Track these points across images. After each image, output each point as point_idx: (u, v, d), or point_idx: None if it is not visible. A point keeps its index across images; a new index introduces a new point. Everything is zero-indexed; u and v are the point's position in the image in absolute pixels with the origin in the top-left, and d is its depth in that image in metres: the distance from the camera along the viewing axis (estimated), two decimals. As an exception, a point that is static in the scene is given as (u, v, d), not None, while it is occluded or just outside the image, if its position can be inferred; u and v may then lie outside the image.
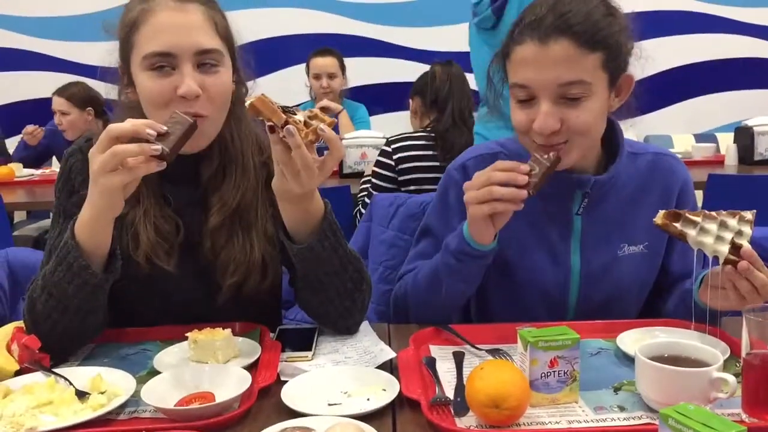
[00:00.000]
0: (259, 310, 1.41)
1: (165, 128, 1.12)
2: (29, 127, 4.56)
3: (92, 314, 1.24)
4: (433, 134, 2.88)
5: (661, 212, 1.19)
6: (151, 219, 1.32)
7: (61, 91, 4.19)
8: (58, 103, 4.18)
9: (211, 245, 1.35)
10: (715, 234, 1.16)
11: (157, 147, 1.10)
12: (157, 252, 1.31)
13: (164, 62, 1.24)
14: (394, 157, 2.89)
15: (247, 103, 1.12)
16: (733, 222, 1.17)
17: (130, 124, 1.10)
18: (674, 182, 1.44)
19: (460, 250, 1.31)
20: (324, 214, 1.25)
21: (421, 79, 3.07)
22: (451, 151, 2.74)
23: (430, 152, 2.86)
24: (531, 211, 1.39)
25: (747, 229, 1.16)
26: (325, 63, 4.22)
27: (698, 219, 1.17)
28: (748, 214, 1.17)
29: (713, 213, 1.17)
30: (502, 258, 1.40)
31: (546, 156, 1.23)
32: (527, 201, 1.31)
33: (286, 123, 1.10)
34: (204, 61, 1.26)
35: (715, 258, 1.16)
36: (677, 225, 1.17)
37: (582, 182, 1.36)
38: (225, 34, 1.31)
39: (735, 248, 1.15)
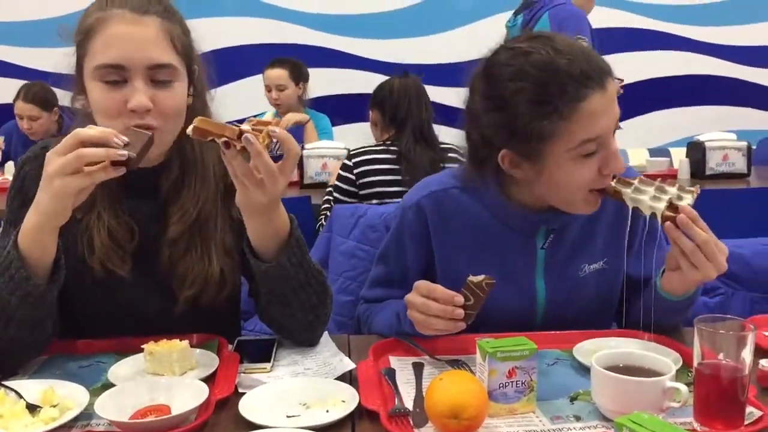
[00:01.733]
0: (217, 321, 1.39)
1: (126, 139, 1.10)
2: None
3: (39, 326, 1.21)
4: (393, 148, 2.88)
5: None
6: (105, 223, 1.29)
7: (24, 96, 4.01)
8: (25, 109, 4.01)
9: (168, 256, 1.33)
10: (651, 195, 1.17)
11: (123, 152, 1.08)
12: (111, 257, 1.29)
13: (115, 74, 1.21)
14: (355, 171, 2.88)
15: (189, 129, 1.10)
16: (672, 189, 1.18)
17: (98, 131, 1.08)
18: None
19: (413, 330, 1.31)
20: (290, 230, 1.24)
21: (379, 91, 3.05)
22: (416, 170, 2.74)
23: (392, 166, 2.86)
24: (494, 244, 1.40)
25: (688, 197, 1.18)
26: (273, 75, 4.21)
27: (633, 181, 1.18)
28: (691, 188, 1.19)
29: (649, 180, 1.19)
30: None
31: (478, 285, 1.19)
32: (490, 233, 1.32)
33: (241, 133, 1.09)
34: (157, 75, 1.23)
35: (653, 217, 1.17)
36: (612, 183, 1.19)
37: (549, 220, 1.37)
38: (182, 48, 1.28)
39: (673, 209, 1.16)
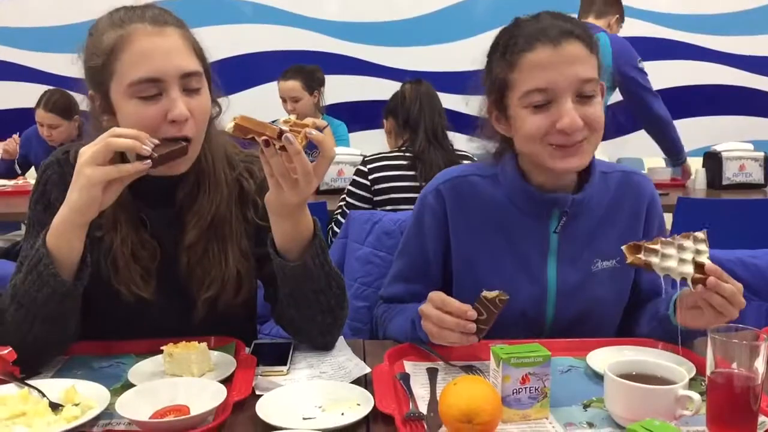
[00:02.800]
0: (234, 325, 1.41)
1: (157, 141, 1.16)
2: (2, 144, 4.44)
3: (62, 324, 1.23)
4: (408, 154, 2.90)
5: (624, 248, 1.22)
6: (129, 246, 1.31)
7: (45, 104, 4.03)
8: (45, 117, 4.03)
9: (187, 261, 1.35)
10: (677, 257, 1.20)
11: (148, 147, 1.14)
12: (135, 279, 1.31)
13: (152, 88, 1.22)
14: (370, 177, 2.90)
15: (229, 126, 1.13)
16: (689, 243, 1.21)
17: (132, 130, 1.15)
18: (642, 199, 1.48)
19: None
20: (314, 231, 1.26)
21: (392, 100, 3.08)
22: (431, 171, 2.76)
23: (406, 172, 2.88)
24: (508, 229, 1.43)
25: (703, 247, 1.20)
26: (285, 87, 4.20)
27: (657, 247, 1.20)
28: (700, 234, 1.22)
29: (669, 239, 1.22)
30: (479, 277, 1.43)
31: (491, 300, 1.21)
32: (505, 219, 1.33)
33: (281, 133, 1.11)
34: (188, 83, 1.25)
35: (683, 280, 1.20)
36: (640, 256, 1.21)
37: (560, 201, 1.40)
38: (201, 55, 1.31)
39: (698, 267, 1.19)
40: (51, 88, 4.24)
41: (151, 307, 1.34)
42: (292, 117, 1.17)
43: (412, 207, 1.57)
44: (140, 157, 1.15)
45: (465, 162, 2.84)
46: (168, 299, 1.35)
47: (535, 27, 1.34)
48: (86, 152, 1.13)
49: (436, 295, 1.26)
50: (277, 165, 1.14)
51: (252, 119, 1.12)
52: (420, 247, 1.50)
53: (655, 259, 1.20)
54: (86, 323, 1.32)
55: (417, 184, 2.83)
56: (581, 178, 1.44)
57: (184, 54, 1.25)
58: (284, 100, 4.25)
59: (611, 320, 1.49)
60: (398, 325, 1.44)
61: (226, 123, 1.18)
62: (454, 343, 1.23)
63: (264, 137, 1.12)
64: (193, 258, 1.35)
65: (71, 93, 4.00)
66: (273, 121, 1.16)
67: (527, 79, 1.32)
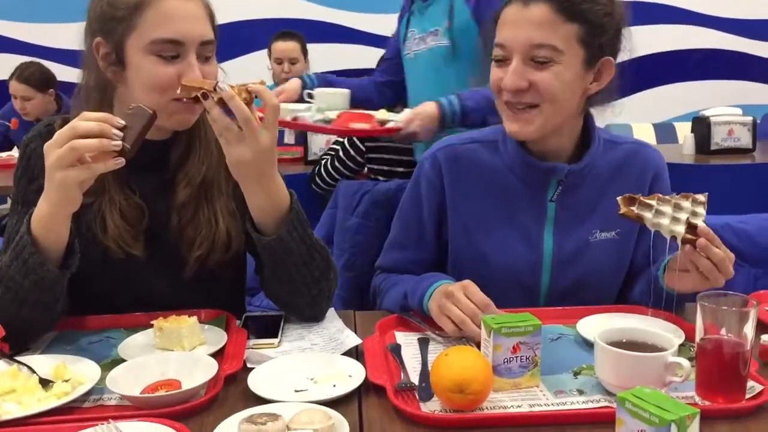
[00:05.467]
0: (224, 295, 1.41)
1: (123, 122, 1.11)
2: None
3: (50, 307, 1.23)
4: None
5: (619, 199, 1.22)
6: (117, 206, 1.31)
7: (18, 75, 3.99)
8: (19, 89, 4.00)
9: (178, 221, 1.35)
10: (670, 215, 1.19)
11: (118, 143, 1.09)
12: (125, 238, 1.31)
13: (172, 49, 1.23)
14: (368, 143, 2.86)
15: (178, 90, 1.19)
16: (686, 204, 1.20)
17: (96, 124, 1.08)
18: (648, 170, 1.47)
19: (420, 310, 1.34)
20: (290, 204, 1.25)
21: None
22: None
23: (404, 144, 2.82)
24: (506, 197, 1.43)
25: (701, 210, 1.20)
26: (286, 47, 4.15)
27: (653, 202, 1.20)
28: (701, 197, 1.21)
29: (667, 197, 1.21)
30: (475, 244, 1.44)
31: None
32: (503, 186, 1.34)
33: (214, 88, 1.15)
34: (204, 51, 1.27)
35: (673, 239, 1.20)
36: (633, 209, 1.21)
37: (557, 171, 1.40)
38: (215, 26, 1.32)
39: (691, 228, 1.18)
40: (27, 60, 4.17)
41: (142, 265, 1.33)
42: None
43: (405, 171, 1.56)
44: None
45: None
46: (158, 258, 1.35)
47: None
48: (50, 153, 1.09)
49: (470, 284, 1.25)
50: (217, 117, 1.15)
51: (195, 79, 1.19)
52: (415, 213, 1.50)
53: (647, 214, 1.20)
54: (77, 287, 1.31)
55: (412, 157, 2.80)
56: (581, 147, 1.44)
57: (204, 22, 1.28)
58: (279, 62, 4.16)
59: (608, 292, 1.49)
60: (392, 297, 1.44)
61: None
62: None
63: (203, 91, 1.15)
64: (184, 218, 1.35)
65: (49, 65, 3.94)
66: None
67: (497, 33, 1.35)
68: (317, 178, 2.95)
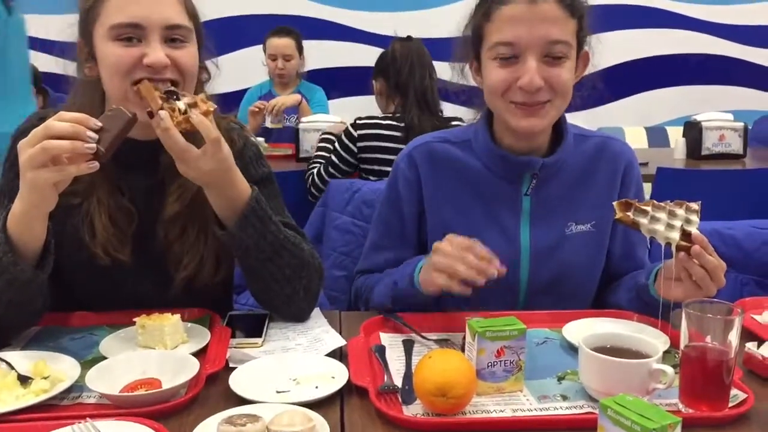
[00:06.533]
0: (210, 299, 1.40)
1: (100, 124, 1.08)
2: None
3: (27, 306, 1.21)
4: (401, 124, 2.81)
5: (615, 204, 1.23)
6: (105, 208, 1.29)
7: None
8: None
9: (164, 236, 1.33)
10: (665, 222, 1.20)
11: (92, 146, 1.06)
12: (113, 243, 1.29)
13: (131, 34, 1.21)
14: (359, 144, 2.84)
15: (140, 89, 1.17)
16: (680, 211, 1.21)
17: (69, 125, 1.06)
18: (619, 164, 1.48)
19: (410, 294, 1.33)
20: (247, 201, 1.24)
21: (381, 59, 3.01)
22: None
23: (396, 144, 2.79)
24: (482, 193, 1.43)
25: (695, 218, 1.20)
26: (280, 44, 4.14)
27: (648, 208, 1.20)
28: (694, 205, 1.22)
29: (661, 203, 1.21)
30: None
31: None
32: (479, 182, 1.32)
33: (161, 109, 1.13)
34: (172, 36, 1.24)
35: (668, 246, 1.19)
36: (629, 214, 1.21)
37: (531, 164, 1.41)
38: (193, 12, 1.30)
39: (685, 235, 1.19)
40: None
41: (128, 275, 1.32)
42: (201, 97, 1.19)
43: None
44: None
45: (453, 123, 2.78)
46: (144, 269, 1.33)
47: None
48: (23, 151, 1.07)
49: (451, 235, 1.25)
50: (161, 138, 1.15)
51: (151, 88, 1.16)
52: (395, 213, 1.50)
53: (643, 220, 1.20)
54: (61, 293, 1.29)
55: None
56: (554, 141, 1.44)
57: (171, 6, 1.25)
58: (273, 59, 4.17)
59: (586, 287, 1.49)
60: (382, 291, 1.43)
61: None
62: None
63: (149, 109, 1.15)
64: (171, 234, 1.33)
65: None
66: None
67: (497, 32, 1.33)
68: (313, 189, 2.93)
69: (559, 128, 1.45)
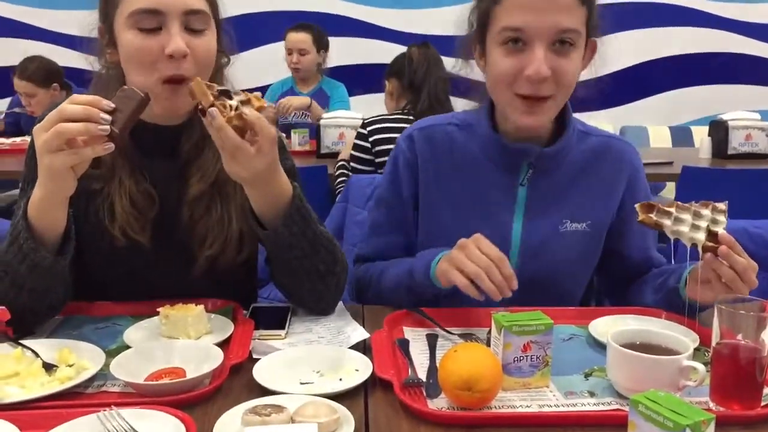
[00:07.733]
0: (234, 287, 1.40)
1: (113, 105, 1.07)
2: None
3: (50, 292, 1.21)
4: (410, 117, 2.88)
5: (637, 206, 1.20)
6: (126, 191, 1.29)
7: (21, 73, 3.96)
8: (22, 86, 3.98)
9: (189, 216, 1.33)
10: (690, 223, 1.17)
11: (105, 127, 1.05)
12: (132, 225, 1.29)
13: (151, 20, 1.21)
14: (370, 139, 2.91)
15: (189, 87, 1.13)
16: (706, 212, 1.18)
17: (82, 108, 1.05)
18: (622, 166, 1.45)
19: (424, 285, 1.32)
20: (291, 199, 1.23)
21: (397, 61, 3.06)
22: None
23: None
24: (477, 180, 1.41)
25: (722, 218, 1.18)
26: (296, 38, 4.17)
27: (672, 210, 1.18)
28: (722, 205, 1.19)
29: (686, 204, 1.19)
30: (441, 227, 1.42)
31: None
32: (475, 169, 1.32)
33: (212, 106, 1.10)
34: (191, 22, 1.23)
35: (694, 247, 1.17)
36: (652, 216, 1.18)
37: (528, 152, 1.38)
38: (211, 0, 1.29)
39: (712, 236, 1.16)
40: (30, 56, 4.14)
41: (150, 256, 1.32)
42: (255, 95, 1.15)
43: None
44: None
45: None
46: (167, 252, 1.33)
47: None
48: (38, 136, 1.06)
49: (482, 237, 1.23)
50: (212, 136, 1.13)
51: (202, 85, 1.11)
52: (395, 193, 1.48)
53: (667, 222, 1.18)
54: (83, 279, 1.30)
55: None
56: (556, 133, 1.42)
57: None
58: (290, 53, 4.19)
59: (574, 288, 1.46)
60: (392, 279, 1.41)
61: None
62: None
63: (200, 106, 1.11)
64: (196, 213, 1.33)
65: (66, 54, 3.91)
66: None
67: (506, 16, 1.28)
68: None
69: (563, 121, 1.41)
